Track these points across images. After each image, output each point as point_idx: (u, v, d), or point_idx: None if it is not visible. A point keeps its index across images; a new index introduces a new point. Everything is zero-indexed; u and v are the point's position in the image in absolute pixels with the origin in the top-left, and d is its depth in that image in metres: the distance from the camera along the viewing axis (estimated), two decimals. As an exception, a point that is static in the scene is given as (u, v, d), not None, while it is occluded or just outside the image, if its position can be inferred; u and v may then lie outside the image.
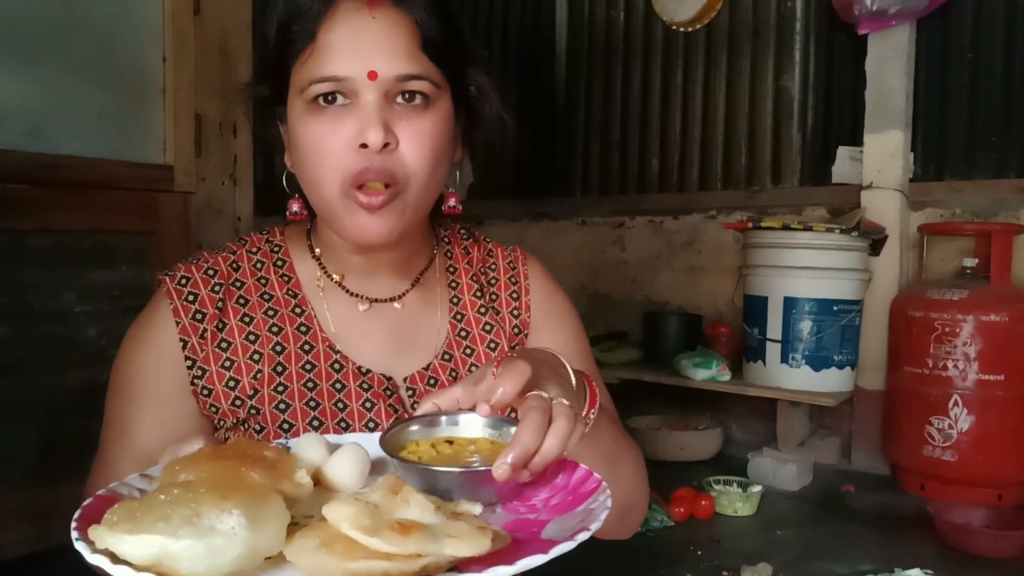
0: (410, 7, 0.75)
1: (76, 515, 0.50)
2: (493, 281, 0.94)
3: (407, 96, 0.75)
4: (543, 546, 0.49)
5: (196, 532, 0.45)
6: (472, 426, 0.64)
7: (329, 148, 0.74)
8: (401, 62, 0.74)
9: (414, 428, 0.64)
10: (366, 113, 0.73)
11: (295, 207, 0.85)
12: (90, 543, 0.47)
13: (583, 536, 0.51)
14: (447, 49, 0.78)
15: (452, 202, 0.86)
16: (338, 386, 0.81)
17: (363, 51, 0.73)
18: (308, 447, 0.61)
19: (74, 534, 0.48)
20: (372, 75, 0.73)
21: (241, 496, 0.49)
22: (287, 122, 0.80)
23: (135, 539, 0.45)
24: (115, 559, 0.45)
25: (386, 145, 0.73)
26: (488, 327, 0.91)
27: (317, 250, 0.87)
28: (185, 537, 0.45)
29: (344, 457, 0.60)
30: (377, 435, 0.65)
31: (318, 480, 0.60)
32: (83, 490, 0.83)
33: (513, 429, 0.63)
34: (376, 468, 0.63)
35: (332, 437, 0.68)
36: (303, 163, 0.78)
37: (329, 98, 0.74)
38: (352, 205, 0.75)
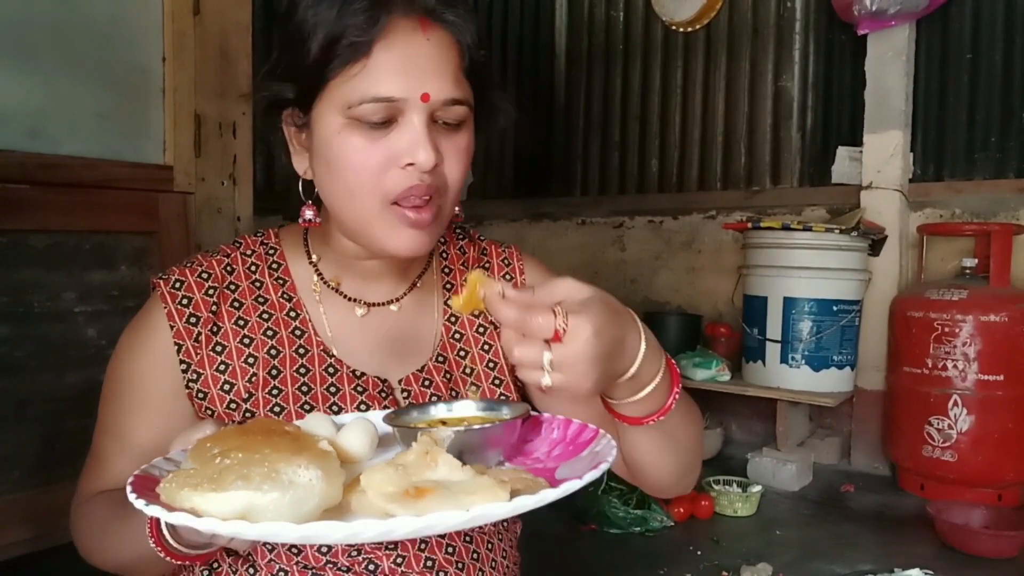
0: (459, 31, 0.76)
1: (129, 489, 0.53)
2: None
3: (448, 118, 0.75)
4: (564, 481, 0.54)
5: (279, 486, 0.50)
6: (466, 408, 0.72)
7: (369, 164, 0.74)
8: (450, 86, 0.74)
9: (413, 413, 0.71)
10: (415, 133, 0.73)
11: (308, 214, 0.83)
12: (164, 505, 0.50)
13: (604, 467, 0.58)
14: (482, 73, 0.79)
15: (456, 209, 0.86)
16: (332, 389, 0.81)
17: (416, 72, 0.73)
18: (317, 425, 0.65)
19: (139, 503, 0.51)
20: (425, 97, 0.73)
21: (310, 454, 0.53)
22: (311, 129, 0.77)
23: (220, 496, 0.49)
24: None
25: (435, 165, 0.74)
26: (482, 329, 0.90)
27: (315, 256, 0.87)
28: (271, 491, 0.49)
29: (355, 430, 0.65)
30: (376, 413, 0.74)
31: None
32: (77, 491, 0.83)
33: (506, 410, 0.70)
34: (381, 442, 0.69)
35: (336, 417, 0.72)
36: (335, 176, 0.76)
37: (379, 125, 0.73)
38: (394, 220, 0.75)
